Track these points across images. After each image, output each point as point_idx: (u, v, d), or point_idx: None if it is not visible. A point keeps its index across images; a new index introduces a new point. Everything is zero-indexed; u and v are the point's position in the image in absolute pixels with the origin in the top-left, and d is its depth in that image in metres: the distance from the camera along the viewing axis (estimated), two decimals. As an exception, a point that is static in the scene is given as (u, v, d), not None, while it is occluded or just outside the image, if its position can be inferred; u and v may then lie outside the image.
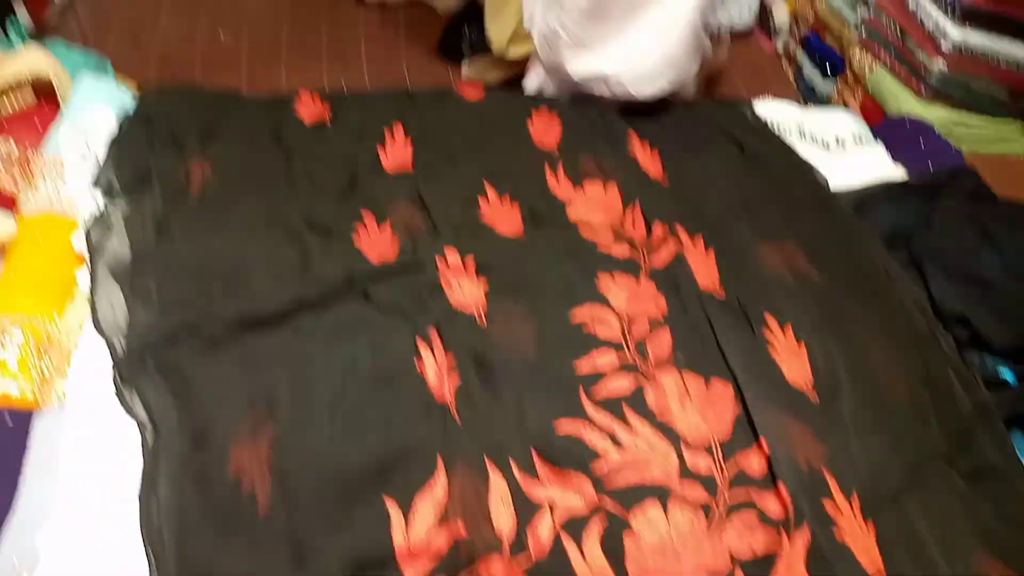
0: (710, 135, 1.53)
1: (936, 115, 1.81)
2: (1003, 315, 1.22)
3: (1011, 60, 1.78)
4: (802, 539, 0.90)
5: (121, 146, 1.38)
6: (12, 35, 1.61)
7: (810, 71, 2.28)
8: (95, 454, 0.96)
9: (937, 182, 1.47)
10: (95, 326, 1.09)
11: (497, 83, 2.10)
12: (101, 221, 1.24)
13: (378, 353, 1.07)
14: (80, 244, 1.20)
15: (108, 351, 1.06)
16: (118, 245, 1.21)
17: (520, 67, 1.92)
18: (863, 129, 1.65)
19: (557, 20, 1.55)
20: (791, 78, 2.36)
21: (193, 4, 2.42)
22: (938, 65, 1.80)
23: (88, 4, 2.37)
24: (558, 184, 1.39)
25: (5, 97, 1.45)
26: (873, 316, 1.20)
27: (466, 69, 2.19)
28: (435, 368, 1.06)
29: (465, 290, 1.18)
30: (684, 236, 1.28)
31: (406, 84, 2.21)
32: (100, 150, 1.38)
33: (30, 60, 1.45)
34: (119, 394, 1.02)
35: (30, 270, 1.19)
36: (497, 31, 1.84)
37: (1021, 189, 1.56)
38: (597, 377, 1.06)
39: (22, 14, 2.11)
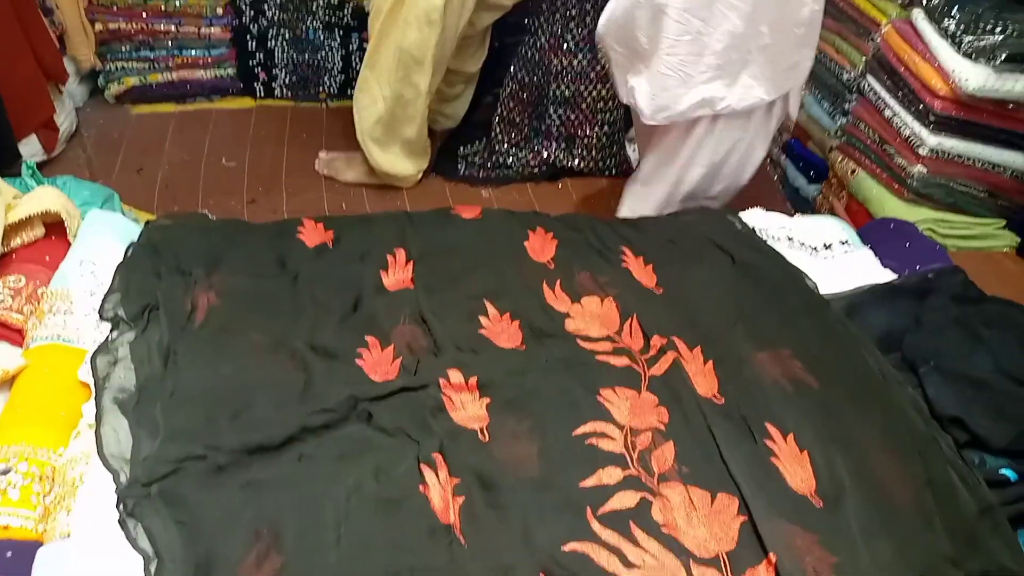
0: (701, 246, 1.58)
1: (919, 215, 1.87)
2: (999, 415, 1.22)
3: (986, 162, 1.86)
4: None
5: (127, 276, 1.41)
6: (26, 177, 1.68)
7: (794, 175, 2.37)
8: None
9: (925, 283, 1.50)
10: (100, 457, 1.09)
11: (352, 182, 2.36)
12: (107, 351, 1.26)
13: (382, 477, 1.08)
14: (86, 375, 1.21)
15: (113, 482, 1.06)
16: (124, 375, 1.23)
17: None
18: (850, 234, 1.70)
19: (675, 64, 1.66)
20: (776, 182, 2.44)
21: (196, 131, 2.53)
22: (917, 169, 1.87)
23: (94, 133, 2.48)
24: (556, 299, 1.42)
25: (16, 233, 1.49)
26: (872, 421, 1.21)
27: (320, 159, 2.41)
28: (439, 490, 1.06)
29: (468, 408, 1.19)
30: (682, 347, 1.31)
31: (405, 204, 2.30)
32: (107, 281, 1.41)
33: (43, 199, 1.51)
34: (123, 526, 1.01)
35: (35, 401, 1.19)
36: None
37: (1006, 284, 1.60)
38: (602, 493, 1.06)
39: (32, 143, 2.21)
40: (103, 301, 1.36)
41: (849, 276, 1.54)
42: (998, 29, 1.73)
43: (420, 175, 2.35)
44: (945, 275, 1.53)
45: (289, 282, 1.43)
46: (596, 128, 2.40)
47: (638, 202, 1.98)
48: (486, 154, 2.44)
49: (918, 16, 1.91)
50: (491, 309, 1.38)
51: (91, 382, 1.20)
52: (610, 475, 1.09)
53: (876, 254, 1.64)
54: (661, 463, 1.12)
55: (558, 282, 1.45)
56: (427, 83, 2.10)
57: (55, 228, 1.55)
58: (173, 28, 2.50)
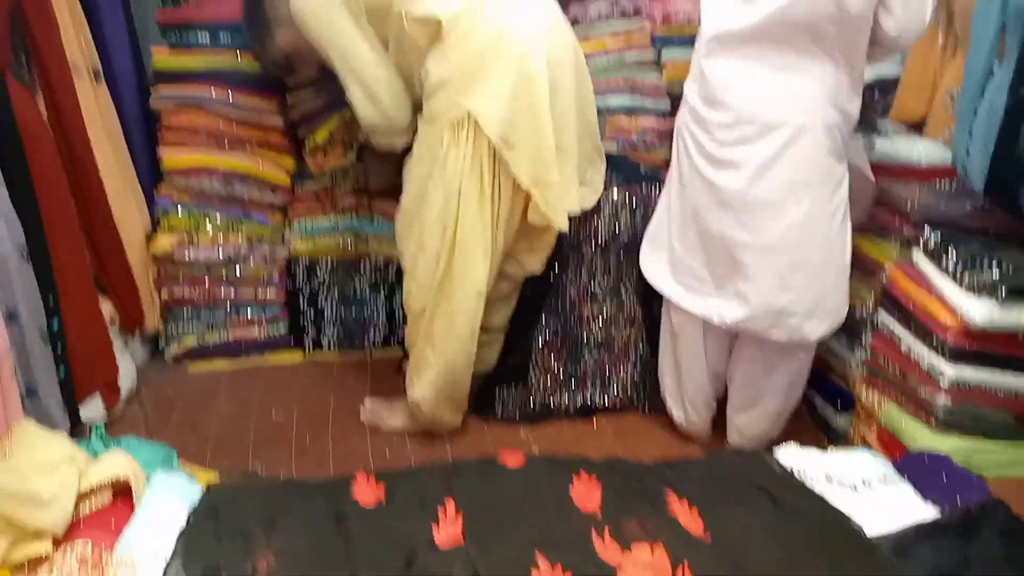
0: (742, 488, 1.62)
1: (952, 445, 1.91)
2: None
3: (1008, 390, 1.92)
4: None
5: (189, 541, 1.47)
6: (95, 441, 1.78)
7: (823, 406, 2.43)
8: None
9: (968, 518, 1.52)
10: None
11: (396, 429, 2.45)
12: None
13: None
14: (152, 650, 1.24)
15: None
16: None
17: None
18: (887, 468, 1.74)
19: None
20: (805, 413, 2.50)
21: (248, 385, 2.68)
22: (941, 400, 1.94)
23: (152, 392, 2.63)
24: (605, 548, 1.45)
25: (86, 499, 1.57)
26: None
27: (364, 407, 2.51)
28: None
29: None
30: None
31: (446, 448, 2.37)
32: (169, 544, 1.47)
33: (115, 464, 1.60)
34: None
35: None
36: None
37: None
38: None
39: (96, 406, 2.35)
40: (166, 568, 1.41)
41: (892, 513, 1.56)
42: (995, 265, 1.87)
43: (461, 422, 2.45)
44: (988, 510, 1.54)
45: (345, 541, 1.48)
46: (629, 366, 2.52)
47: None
48: (523, 397, 2.54)
49: (918, 256, 2.07)
50: (542, 561, 1.40)
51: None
52: None
53: (916, 488, 1.67)
54: None
55: (607, 529, 1.48)
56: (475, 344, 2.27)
57: (121, 491, 1.63)
58: (232, 293, 2.73)
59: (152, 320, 2.68)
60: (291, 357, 2.83)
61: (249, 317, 2.76)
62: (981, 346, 1.89)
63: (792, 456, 1.76)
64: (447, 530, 1.50)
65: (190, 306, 2.73)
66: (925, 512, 1.58)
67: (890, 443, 2.05)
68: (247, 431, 2.44)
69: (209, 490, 1.66)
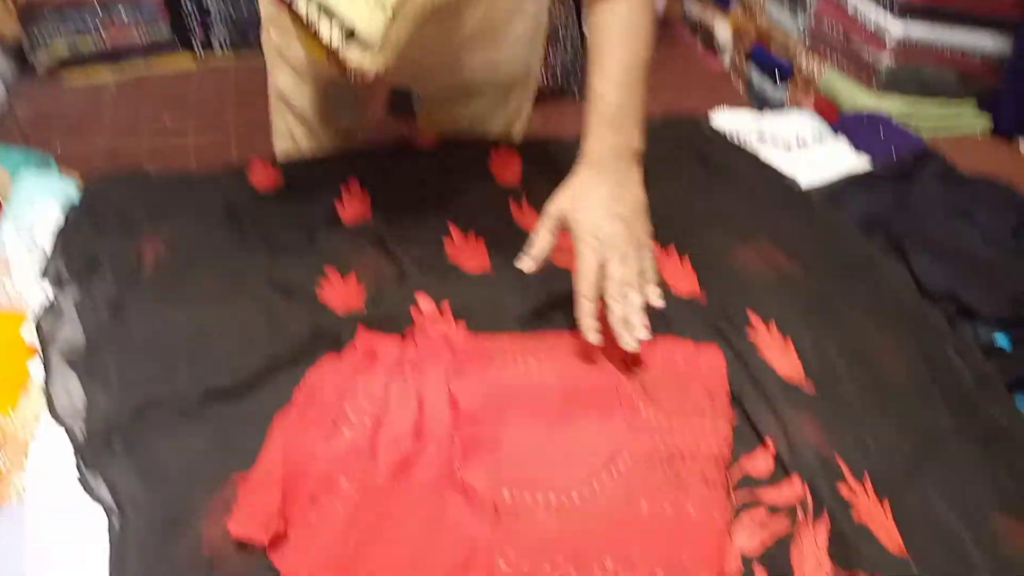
0: (671, 154, 1.51)
1: (891, 106, 1.82)
2: (991, 284, 1.19)
3: (954, 47, 1.80)
4: (822, 525, 0.87)
5: (68, 235, 1.33)
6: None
7: (760, 81, 2.31)
8: (60, 547, 0.89)
9: (905, 167, 1.46)
10: (52, 415, 1.02)
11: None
12: (51, 311, 1.18)
13: (356, 407, 1.01)
14: (31, 336, 1.14)
15: (68, 438, 0.99)
16: (71, 332, 1.15)
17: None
18: (822, 126, 1.65)
19: None
20: (742, 91, 2.38)
21: (134, 97, 2.42)
22: (885, 60, 1.82)
23: (26, 107, 2.35)
24: (523, 215, 1.35)
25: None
26: (860, 301, 1.17)
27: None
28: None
29: (441, 333, 1.12)
30: (656, 247, 1.24)
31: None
32: (46, 242, 1.33)
33: (-33, 162, 1.41)
34: (83, 480, 0.95)
35: (-21, 368, 1.12)
36: None
37: (983, 166, 1.55)
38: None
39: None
40: (45, 261, 1.28)
41: (826, 168, 1.49)
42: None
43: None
44: (926, 159, 1.48)
45: (240, 225, 1.35)
46: (560, 49, 2.31)
47: None
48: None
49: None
50: (455, 231, 1.31)
51: (36, 342, 1.13)
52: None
53: (851, 144, 1.59)
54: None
55: (525, 198, 1.38)
56: None
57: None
58: (97, -11, 2.38)
59: (9, 26, 2.34)
60: (181, 62, 2.54)
61: (124, 19, 2.43)
62: (930, 0, 1.74)
63: (725, 120, 1.65)
64: (352, 206, 1.38)
65: (51, 8, 2.37)
66: (861, 165, 1.51)
67: (827, 109, 1.96)
68: (139, 144, 2.22)
69: (88, 185, 1.49)
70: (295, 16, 1.00)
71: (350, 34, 0.98)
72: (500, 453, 0.95)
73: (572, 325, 1.12)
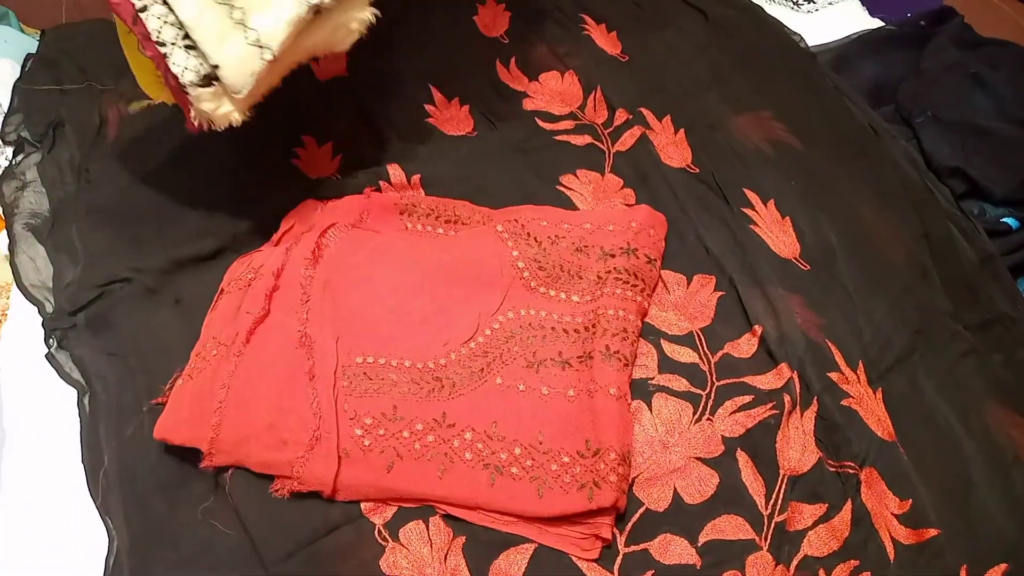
0: (669, 6, 1.40)
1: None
2: (1002, 162, 1.13)
3: None
4: (810, 411, 0.86)
5: (27, 93, 1.25)
6: None
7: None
8: (32, 426, 0.89)
9: (919, 29, 1.36)
10: (19, 287, 1.00)
11: None
12: (13, 176, 1.13)
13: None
14: (-8, 202, 1.09)
15: (37, 312, 0.97)
16: (34, 199, 1.11)
17: None
18: (834, -17, 1.53)
19: None
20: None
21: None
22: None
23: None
24: (511, 76, 1.27)
25: None
26: (862, 178, 1.11)
27: None
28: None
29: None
30: (651, 118, 1.18)
31: None
32: (4, 102, 1.26)
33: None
34: (52, 359, 0.93)
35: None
36: None
37: (1001, 28, 1.45)
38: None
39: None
40: (3, 124, 1.21)
41: (835, 28, 1.39)
42: None
43: None
44: (942, 20, 1.37)
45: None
46: None
47: None
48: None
49: None
50: (437, 95, 1.23)
51: (-1, 209, 1.08)
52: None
53: (863, 4, 1.48)
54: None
55: (513, 60, 1.29)
56: None
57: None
58: None
59: None
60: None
61: None
62: None
63: (731, -28, 1.52)
64: (327, 62, 1.28)
65: None
66: (873, 26, 1.41)
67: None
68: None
69: (46, 36, 1.39)
70: (141, 32, 0.79)
71: (209, 76, 0.81)
72: (357, 320, 0.92)
73: (555, 203, 1.07)
